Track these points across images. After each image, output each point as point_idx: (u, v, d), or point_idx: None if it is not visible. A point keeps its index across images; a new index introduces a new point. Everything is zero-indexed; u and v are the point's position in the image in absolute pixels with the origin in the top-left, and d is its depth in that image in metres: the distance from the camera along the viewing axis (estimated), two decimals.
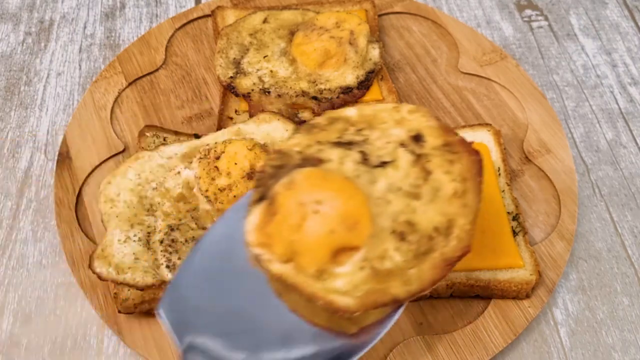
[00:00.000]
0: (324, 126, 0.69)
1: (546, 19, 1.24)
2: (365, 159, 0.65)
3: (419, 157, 0.65)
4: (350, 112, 0.70)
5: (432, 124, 0.68)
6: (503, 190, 0.89)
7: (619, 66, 1.16)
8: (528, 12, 1.25)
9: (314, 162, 0.65)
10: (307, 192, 0.61)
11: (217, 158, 0.82)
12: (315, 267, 0.59)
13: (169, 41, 1.11)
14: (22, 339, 0.82)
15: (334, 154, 0.65)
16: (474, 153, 0.66)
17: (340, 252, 0.60)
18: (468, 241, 0.61)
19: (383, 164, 0.65)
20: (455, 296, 0.82)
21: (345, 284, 0.59)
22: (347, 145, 0.66)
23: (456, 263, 0.61)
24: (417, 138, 0.67)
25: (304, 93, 0.95)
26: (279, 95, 0.95)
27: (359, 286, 0.59)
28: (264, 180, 0.64)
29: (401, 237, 0.61)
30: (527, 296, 0.81)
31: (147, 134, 0.92)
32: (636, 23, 1.23)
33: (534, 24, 1.23)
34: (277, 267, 0.61)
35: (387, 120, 0.69)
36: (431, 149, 0.66)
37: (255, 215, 0.62)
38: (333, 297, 0.59)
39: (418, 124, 0.68)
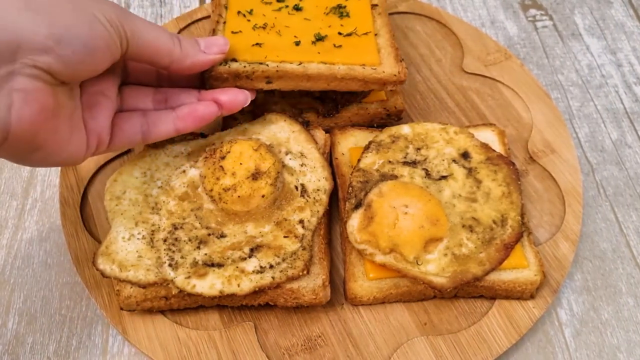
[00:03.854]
0: (389, 144, 0.87)
1: (551, 18, 1.23)
2: (428, 174, 0.85)
3: (470, 171, 0.85)
4: (405, 129, 0.89)
5: (475, 143, 0.88)
6: None
7: (624, 66, 1.15)
8: (532, 11, 1.25)
9: (391, 177, 0.84)
10: (395, 199, 0.79)
11: (223, 158, 0.82)
12: (414, 254, 0.77)
13: None
14: (28, 338, 0.83)
15: (404, 171, 0.85)
16: (510, 163, 0.86)
17: (429, 243, 0.78)
18: (519, 229, 0.81)
19: (443, 177, 0.84)
20: (459, 296, 0.82)
21: (435, 267, 0.77)
22: (413, 164, 0.86)
23: (514, 246, 0.80)
24: (465, 155, 0.86)
25: (308, 93, 0.95)
26: (283, 96, 0.95)
27: (446, 268, 0.77)
28: (356, 192, 0.82)
29: (470, 229, 0.80)
30: (532, 296, 0.81)
31: None
32: None
33: (539, 24, 1.22)
34: (381, 258, 0.78)
35: (439, 140, 0.88)
36: (477, 163, 0.86)
37: (356, 219, 0.79)
38: (431, 277, 0.77)
39: (464, 144, 0.88)
